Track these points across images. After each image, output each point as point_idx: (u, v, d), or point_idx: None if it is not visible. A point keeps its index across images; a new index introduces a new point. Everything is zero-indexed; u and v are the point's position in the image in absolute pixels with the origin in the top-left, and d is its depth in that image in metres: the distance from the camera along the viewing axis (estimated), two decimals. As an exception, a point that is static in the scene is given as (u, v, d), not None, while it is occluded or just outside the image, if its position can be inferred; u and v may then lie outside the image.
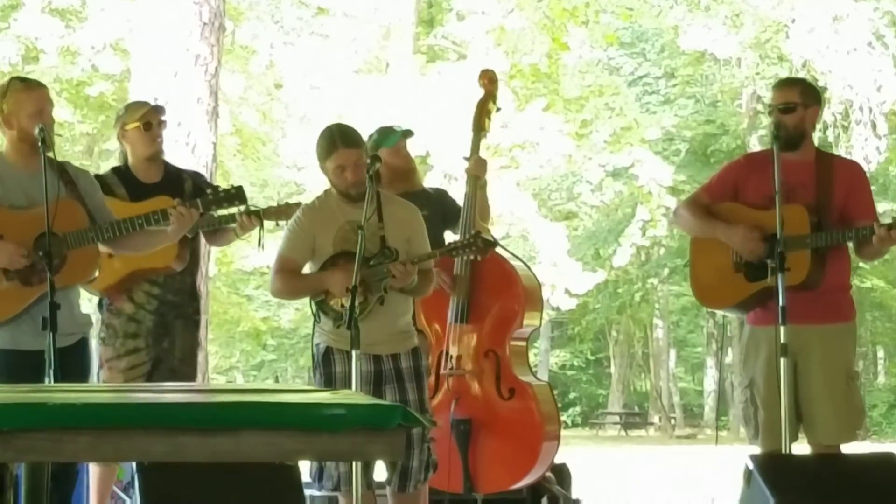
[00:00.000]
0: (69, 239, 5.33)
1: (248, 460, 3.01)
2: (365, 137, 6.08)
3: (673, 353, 39.57)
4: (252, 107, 23.44)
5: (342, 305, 5.56)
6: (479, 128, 7.06)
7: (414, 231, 5.82)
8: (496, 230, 6.41)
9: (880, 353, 38.51)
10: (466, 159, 7.03)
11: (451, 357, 6.83)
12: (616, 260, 27.96)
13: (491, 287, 6.89)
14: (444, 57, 25.94)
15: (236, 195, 5.75)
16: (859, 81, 24.75)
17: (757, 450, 5.64)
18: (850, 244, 5.74)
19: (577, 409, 39.85)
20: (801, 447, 5.69)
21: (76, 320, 5.46)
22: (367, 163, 5.58)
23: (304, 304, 5.67)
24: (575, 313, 32.39)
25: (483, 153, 7.11)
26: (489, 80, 7.16)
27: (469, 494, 6.77)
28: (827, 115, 24.59)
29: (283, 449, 2.99)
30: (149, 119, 6.32)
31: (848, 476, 5.19)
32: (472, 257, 6.02)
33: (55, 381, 4.91)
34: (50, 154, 5.22)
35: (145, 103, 6.72)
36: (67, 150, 21.48)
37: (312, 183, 23.35)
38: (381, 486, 5.90)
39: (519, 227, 24.99)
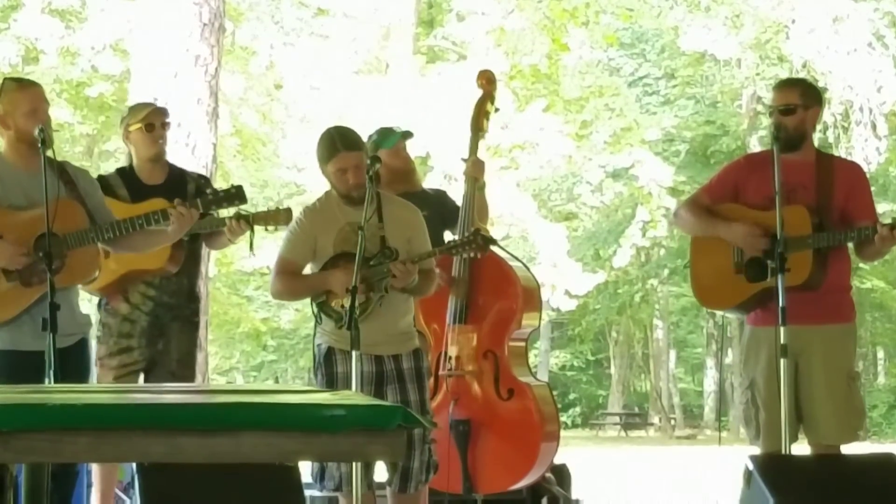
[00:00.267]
0: (69, 239, 5.33)
1: (248, 461, 3.01)
2: (364, 138, 6.09)
3: (673, 353, 39.56)
4: (252, 107, 23.45)
5: (342, 306, 5.57)
6: (478, 129, 7.06)
7: (414, 231, 5.82)
8: (496, 231, 6.40)
9: (880, 354, 38.52)
10: (464, 160, 7.03)
11: (450, 358, 6.83)
12: (616, 261, 27.97)
13: (490, 288, 6.90)
14: (444, 57, 25.95)
15: (236, 195, 5.73)
16: (859, 82, 24.76)
17: (757, 451, 5.64)
18: (850, 245, 5.75)
19: (577, 409, 39.85)
20: (802, 448, 5.70)
21: (76, 320, 5.46)
22: (368, 164, 5.58)
23: (304, 305, 5.68)
24: (575, 314, 32.40)
25: (482, 154, 7.11)
26: (487, 80, 7.16)
27: (469, 495, 6.77)
28: (827, 115, 24.59)
29: (283, 450, 2.99)
30: (151, 120, 6.33)
31: (848, 477, 5.19)
32: (471, 255, 6.02)
33: (55, 381, 4.91)
34: (49, 153, 5.22)
35: (149, 105, 6.73)
36: (67, 150, 21.49)
37: (312, 184, 23.35)
38: (381, 486, 5.91)
39: (519, 227, 25.00)
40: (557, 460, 7.16)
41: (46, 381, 4.94)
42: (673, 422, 37.10)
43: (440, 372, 6.82)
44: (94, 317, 6.11)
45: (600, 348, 40.14)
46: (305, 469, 5.46)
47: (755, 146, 27.34)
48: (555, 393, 7.30)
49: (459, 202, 6.93)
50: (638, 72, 30.21)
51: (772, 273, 5.51)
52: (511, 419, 6.81)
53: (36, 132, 5.23)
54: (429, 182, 16.26)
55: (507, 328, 6.87)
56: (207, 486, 4.30)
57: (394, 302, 5.73)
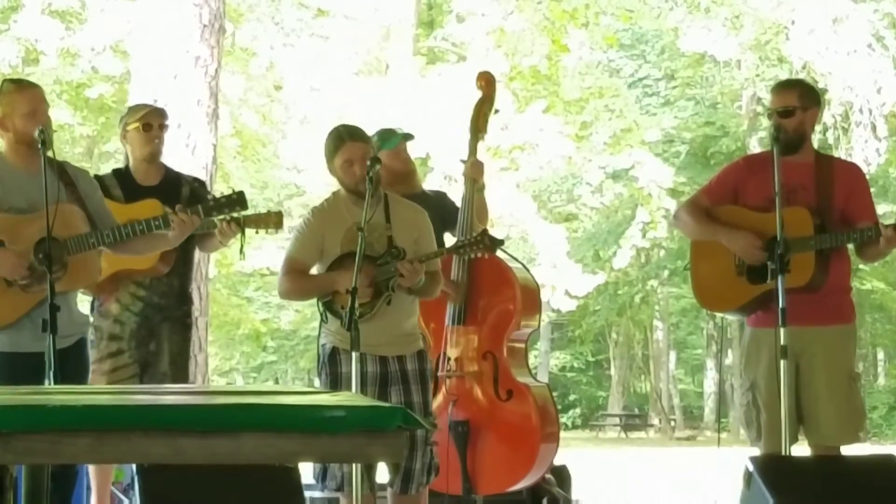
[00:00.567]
0: (70, 244, 5.33)
1: (248, 462, 3.01)
2: (366, 138, 6.08)
3: (673, 354, 39.55)
4: (252, 108, 23.44)
5: (342, 307, 5.57)
6: (477, 130, 7.05)
7: (421, 232, 5.86)
8: (496, 232, 6.40)
9: (880, 355, 38.51)
10: (464, 162, 7.02)
11: (450, 359, 6.83)
12: (616, 262, 27.97)
13: (489, 289, 6.89)
14: (444, 59, 25.95)
15: (238, 201, 5.71)
16: (859, 83, 24.75)
17: (758, 452, 5.64)
18: (850, 246, 5.75)
19: (577, 410, 39.83)
20: (802, 449, 5.69)
21: (75, 321, 5.46)
22: (368, 165, 5.58)
23: (304, 306, 5.68)
24: (575, 315, 32.39)
25: (482, 155, 7.11)
26: (486, 82, 7.15)
27: (468, 496, 6.77)
28: (827, 116, 24.60)
29: (282, 451, 2.99)
30: (149, 120, 6.33)
31: (848, 478, 5.20)
32: (479, 255, 6.05)
33: (55, 382, 4.91)
34: (49, 154, 5.22)
35: (148, 105, 6.73)
36: (67, 151, 21.49)
37: (312, 185, 23.36)
38: (381, 488, 5.91)
39: (519, 228, 25.00)
40: (557, 461, 7.16)
41: (46, 382, 4.94)
42: (673, 423, 37.09)
43: (439, 373, 6.81)
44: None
45: (600, 349, 40.13)
46: (306, 470, 5.46)
47: (755, 147, 27.34)
48: (555, 394, 7.29)
49: (459, 204, 6.93)
50: (638, 73, 30.21)
51: (772, 275, 5.51)
52: (510, 420, 6.81)
53: (36, 133, 5.23)
54: (428, 183, 16.25)
55: (507, 329, 6.87)
56: (207, 487, 4.30)
57: (399, 303, 5.75)
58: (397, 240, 5.74)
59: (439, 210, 6.81)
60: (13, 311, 5.35)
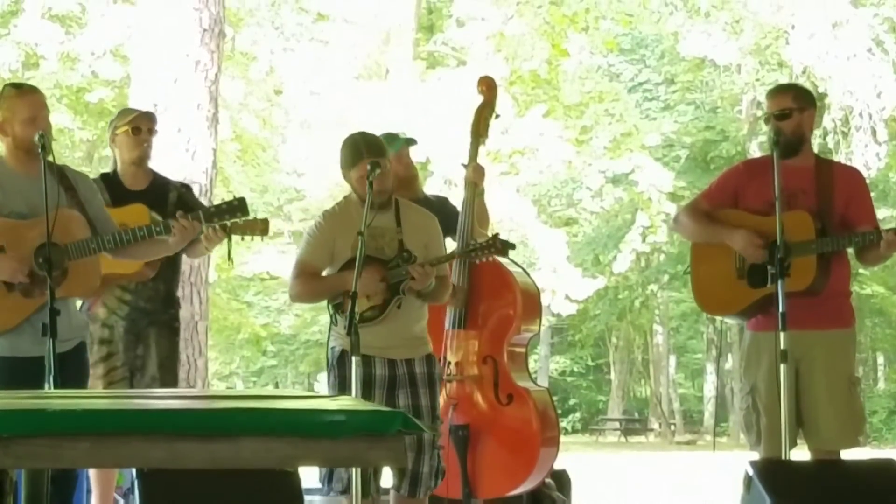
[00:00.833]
0: (70, 249, 5.32)
1: (248, 467, 3.01)
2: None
3: (673, 359, 39.55)
4: (252, 113, 23.46)
5: (348, 310, 5.58)
6: (478, 135, 7.05)
7: (431, 237, 5.91)
8: (496, 236, 6.47)
9: (880, 360, 38.51)
10: (464, 166, 7.03)
11: (450, 363, 6.83)
12: (616, 266, 27.99)
13: (489, 293, 6.89)
14: (444, 63, 25.97)
15: (238, 207, 5.69)
16: (859, 87, 24.77)
17: (757, 456, 5.64)
18: (850, 250, 5.75)
19: (577, 415, 39.84)
20: (802, 453, 5.69)
21: (74, 325, 5.46)
22: (368, 170, 5.60)
23: (304, 311, 5.69)
24: (575, 319, 32.40)
25: (482, 160, 7.11)
26: (487, 86, 7.15)
27: (468, 500, 6.77)
28: (827, 121, 24.62)
29: (282, 455, 2.99)
30: (138, 124, 6.33)
31: (848, 482, 5.19)
32: (491, 259, 6.09)
33: (55, 387, 4.91)
34: (49, 158, 5.22)
35: (137, 109, 6.73)
36: (67, 156, 21.49)
37: (312, 189, 23.39)
38: (385, 492, 5.92)
39: (519, 233, 25.00)
40: (557, 466, 7.15)
41: (46, 386, 4.94)
42: (673, 427, 37.09)
43: (440, 377, 6.82)
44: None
45: (600, 354, 40.13)
46: (307, 474, 5.46)
47: (755, 151, 27.34)
48: (555, 398, 7.29)
49: (459, 208, 6.94)
50: (638, 77, 30.24)
51: (772, 279, 5.51)
52: (511, 425, 6.80)
53: (36, 139, 5.23)
54: (429, 187, 16.25)
55: (507, 333, 6.86)
56: (207, 491, 4.30)
57: (409, 307, 5.79)
58: (408, 244, 5.79)
59: (441, 215, 6.80)
60: (13, 316, 5.35)
